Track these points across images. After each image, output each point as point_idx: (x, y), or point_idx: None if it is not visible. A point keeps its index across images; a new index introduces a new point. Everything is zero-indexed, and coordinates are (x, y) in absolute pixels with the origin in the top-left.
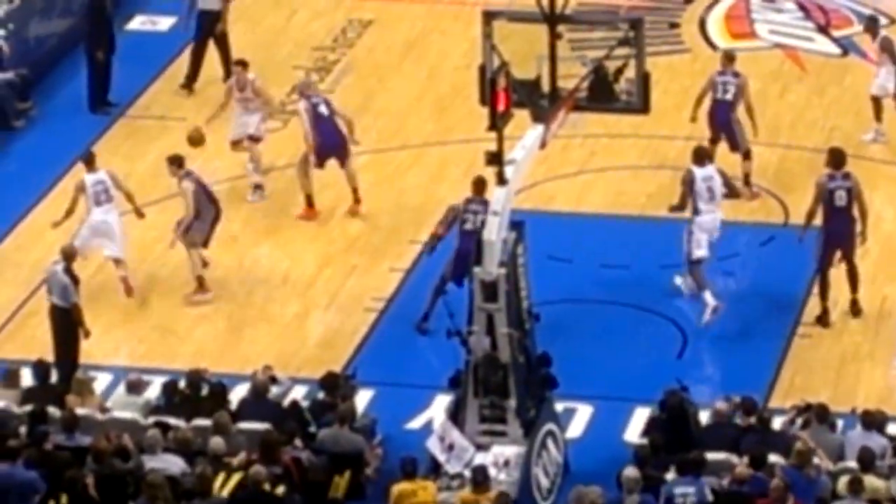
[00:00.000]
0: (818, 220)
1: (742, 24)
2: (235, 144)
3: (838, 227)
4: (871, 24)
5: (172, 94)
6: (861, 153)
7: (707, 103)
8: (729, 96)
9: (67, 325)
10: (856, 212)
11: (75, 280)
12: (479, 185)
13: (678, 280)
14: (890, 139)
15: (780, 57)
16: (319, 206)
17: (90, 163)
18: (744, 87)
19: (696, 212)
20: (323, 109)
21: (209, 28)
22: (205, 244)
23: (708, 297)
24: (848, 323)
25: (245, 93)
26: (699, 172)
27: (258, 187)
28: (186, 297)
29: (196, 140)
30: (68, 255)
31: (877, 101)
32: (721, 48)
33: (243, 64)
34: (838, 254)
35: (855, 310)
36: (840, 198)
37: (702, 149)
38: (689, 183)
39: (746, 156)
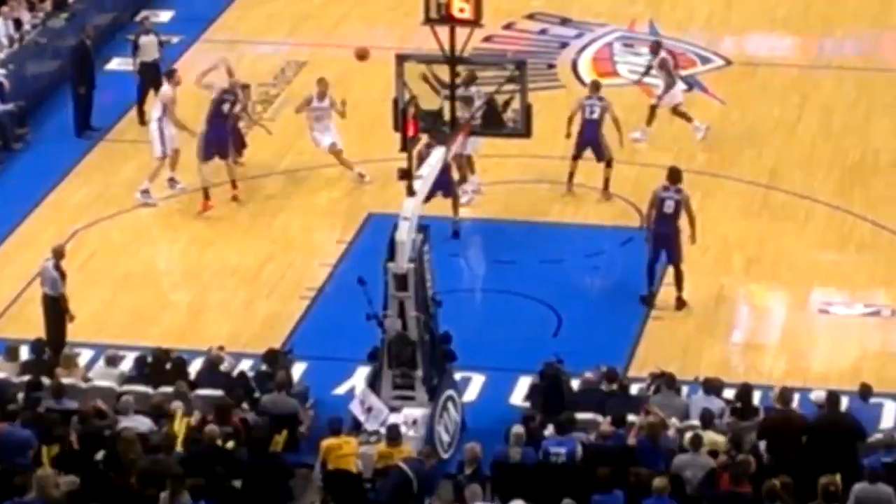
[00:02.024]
0: None
1: (606, 65)
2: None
3: (663, 230)
4: (655, 46)
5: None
6: (704, 169)
7: (577, 124)
8: (595, 116)
9: (56, 311)
10: (684, 221)
11: (63, 275)
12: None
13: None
14: (722, 152)
15: (637, 92)
16: (262, 213)
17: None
18: (608, 109)
19: None
20: (225, 108)
21: (150, 77)
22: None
23: (475, 178)
24: (692, 308)
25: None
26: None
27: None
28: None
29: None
30: (58, 254)
31: (653, 108)
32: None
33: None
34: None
35: (679, 305)
36: (668, 206)
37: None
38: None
39: (608, 164)
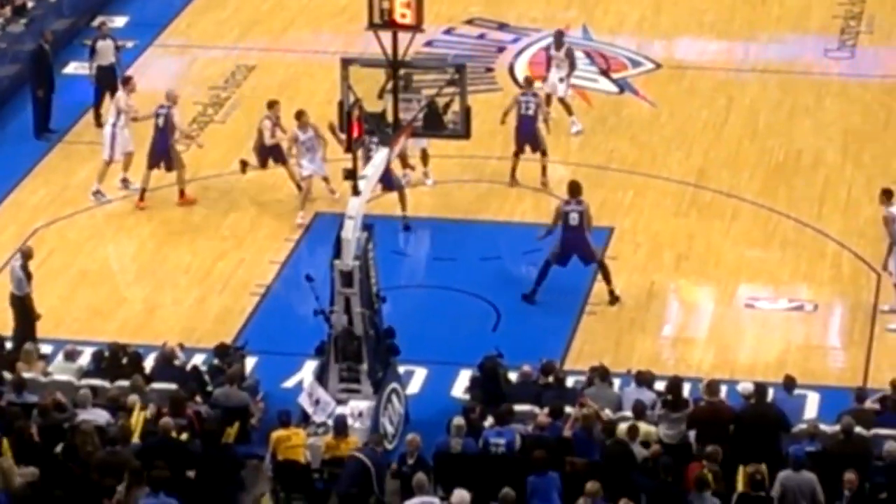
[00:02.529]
0: None
1: (541, 69)
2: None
3: (571, 239)
4: (559, 37)
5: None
6: (634, 169)
7: (513, 120)
8: (531, 112)
9: (23, 309)
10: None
11: (29, 275)
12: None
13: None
14: (653, 152)
15: (572, 94)
16: (213, 213)
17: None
18: (540, 104)
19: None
20: (160, 121)
21: (107, 81)
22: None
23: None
24: (625, 303)
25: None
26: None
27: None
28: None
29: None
30: (26, 255)
31: (563, 101)
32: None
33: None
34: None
35: (612, 300)
36: (573, 219)
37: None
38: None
39: (544, 153)
